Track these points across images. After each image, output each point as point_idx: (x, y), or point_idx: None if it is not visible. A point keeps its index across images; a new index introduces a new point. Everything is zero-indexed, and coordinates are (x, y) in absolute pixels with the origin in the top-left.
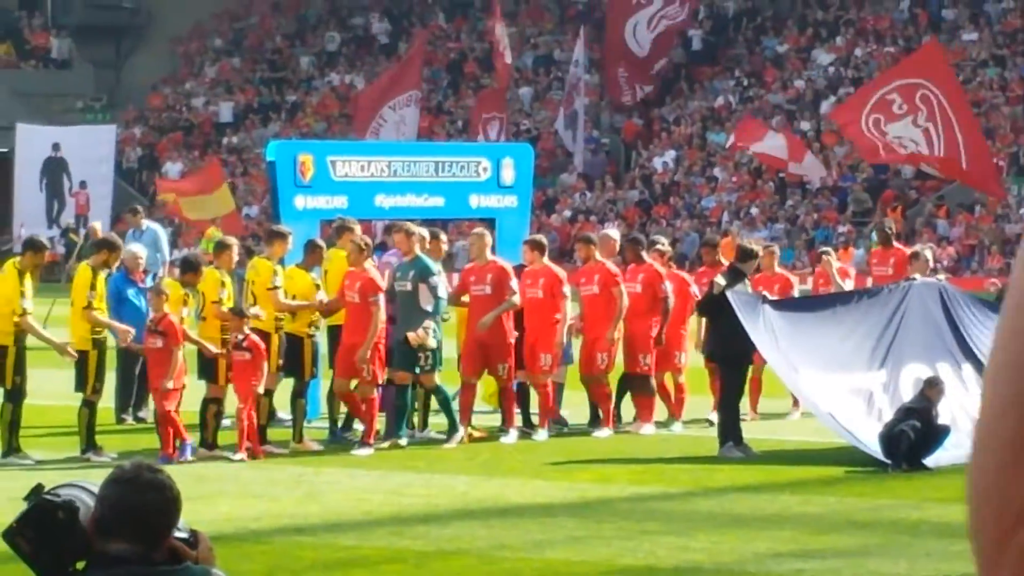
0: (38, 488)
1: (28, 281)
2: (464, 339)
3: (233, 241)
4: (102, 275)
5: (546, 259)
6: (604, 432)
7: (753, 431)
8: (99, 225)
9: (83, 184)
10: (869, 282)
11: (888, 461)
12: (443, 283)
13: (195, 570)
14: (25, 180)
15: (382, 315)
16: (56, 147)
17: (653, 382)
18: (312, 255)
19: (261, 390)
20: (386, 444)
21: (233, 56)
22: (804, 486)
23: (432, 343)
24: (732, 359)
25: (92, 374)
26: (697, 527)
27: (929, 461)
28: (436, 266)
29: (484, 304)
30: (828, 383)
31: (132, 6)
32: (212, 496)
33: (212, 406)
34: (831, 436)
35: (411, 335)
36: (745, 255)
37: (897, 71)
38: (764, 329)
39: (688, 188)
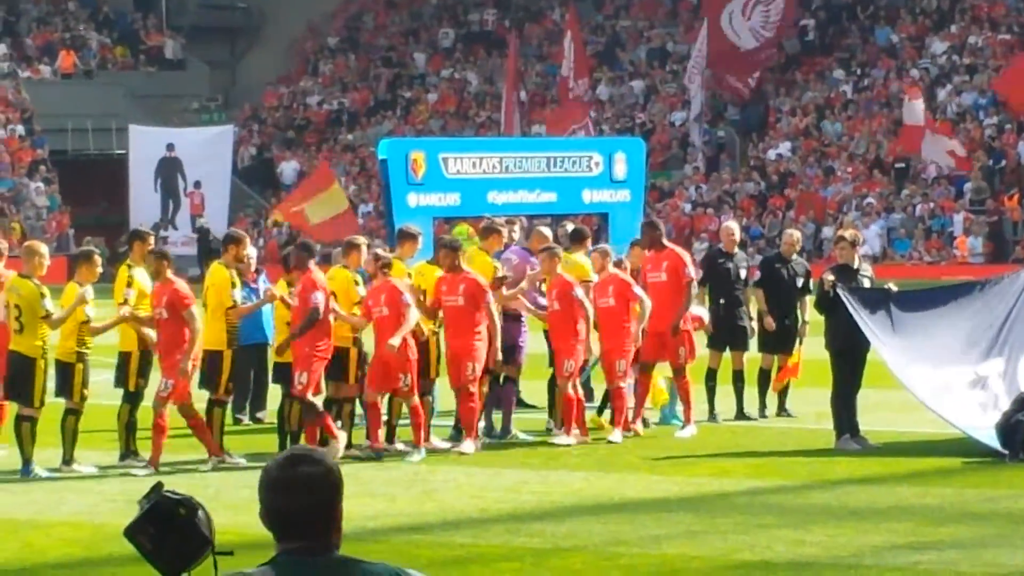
0: (158, 486)
1: (139, 271)
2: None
3: (362, 240)
4: (235, 272)
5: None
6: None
7: (870, 423)
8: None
9: (197, 184)
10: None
11: (1005, 452)
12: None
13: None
14: (139, 181)
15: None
16: (170, 147)
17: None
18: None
19: None
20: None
21: (348, 54)
22: (921, 478)
23: None
24: (845, 353)
25: (225, 375)
26: (813, 520)
27: None
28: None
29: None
30: (945, 377)
31: (246, 5)
32: None
33: (347, 406)
34: (947, 428)
35: None
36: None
37: None
38: (879, 323)
39: (803, 179)
